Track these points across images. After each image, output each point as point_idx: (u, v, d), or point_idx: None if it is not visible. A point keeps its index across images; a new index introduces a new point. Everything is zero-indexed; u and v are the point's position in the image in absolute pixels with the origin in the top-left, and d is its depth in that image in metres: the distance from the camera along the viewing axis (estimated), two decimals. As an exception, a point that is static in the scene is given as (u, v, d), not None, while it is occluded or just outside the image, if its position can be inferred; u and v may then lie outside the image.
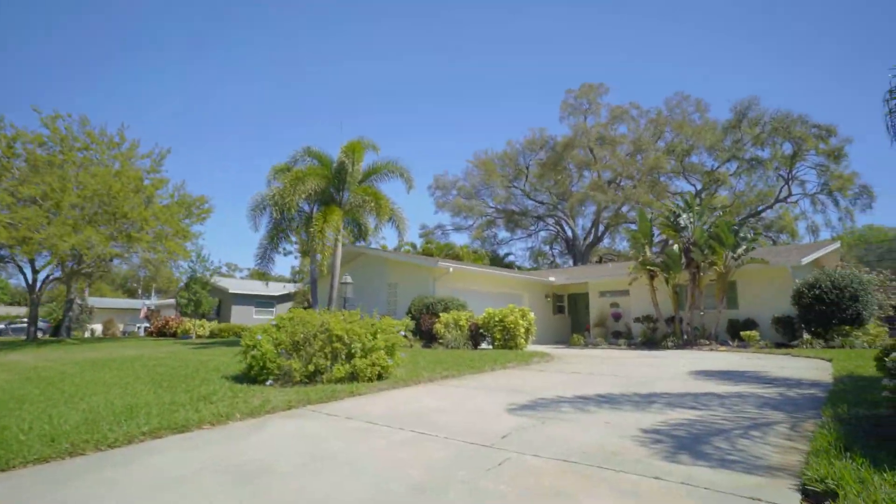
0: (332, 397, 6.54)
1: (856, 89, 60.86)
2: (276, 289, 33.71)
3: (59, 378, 8.92)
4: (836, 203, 33.20)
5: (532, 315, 14.41)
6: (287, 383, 7.31)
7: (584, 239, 43.29)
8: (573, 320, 24.40)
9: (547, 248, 50.04)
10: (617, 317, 20.89)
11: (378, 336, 7.97)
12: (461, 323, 14.59)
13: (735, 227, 16.92)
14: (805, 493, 2.89)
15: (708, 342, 16.56)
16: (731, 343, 16.29)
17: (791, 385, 7.12)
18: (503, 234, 46.84)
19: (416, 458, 3.89)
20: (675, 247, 18.16)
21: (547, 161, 39.68)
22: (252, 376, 7.59)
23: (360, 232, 19.65)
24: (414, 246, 35.77)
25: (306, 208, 19.18)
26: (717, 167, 35.66)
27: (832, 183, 32.44)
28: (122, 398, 6.39)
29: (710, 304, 17.76)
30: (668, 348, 16.64)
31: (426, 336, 15.34)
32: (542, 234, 48.61)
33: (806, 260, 16.55)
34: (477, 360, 10.80)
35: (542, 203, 42.42)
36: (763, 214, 36.29)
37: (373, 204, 16.59)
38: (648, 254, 17.86)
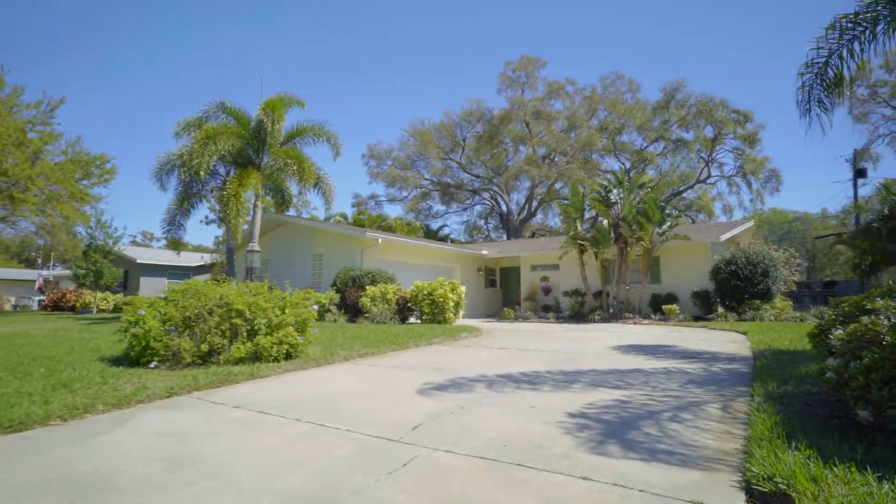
0: (227, 381, 5.68)
1: (770, 79, 65.04)
2: (192, 259, 31.25)
3: None
4: (750, 185, 35.44)
5: (462, 289, 13.97)
6: (176, 365, 6.33)
7: (518, 214, 43.63)
8: (505, 294, 24.43)
9: (482, 222, 50.11)
10: (547, 290, 21.04)
11: (287, 311, 7.11)
12: (388, 296, 13.90)
13: (661, 204, 17.27)
14: (750, 492, 2.49)
15: (632, 315, 16.97)
16: (653, 316, 16.78)
17: (714, 360, 7.07)
18: (438, 206, 46.27)
19: (305, 460, 3.20)
20: (605, 222, 18.36)
21: (484, 134, 39.23)
22: (134, 358, 6.51)
23: (282, 199, 18.29)
24: (345, 216, 34.31)
25: (221, 170, 17.54)
26: (646, 147, 36.86)
27: (746, 166, 34.48)
28: (-49, 388, 5.17)
29: (636, 279, 18.18)
30: (594, 321, 16.89)
31: (352, 310, 14.52)
32: (478, 208, 48.51)
33: (724, 237, 17.25)
34: (402, 335, 10.19)
35: (477, 177, 42.11)
36: (684, 194, 38.10)
37: (295, 167, 15.30)
38: (579, 228, 17.91)
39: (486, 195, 45.74)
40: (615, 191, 17.81)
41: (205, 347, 6.36)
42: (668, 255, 18.26)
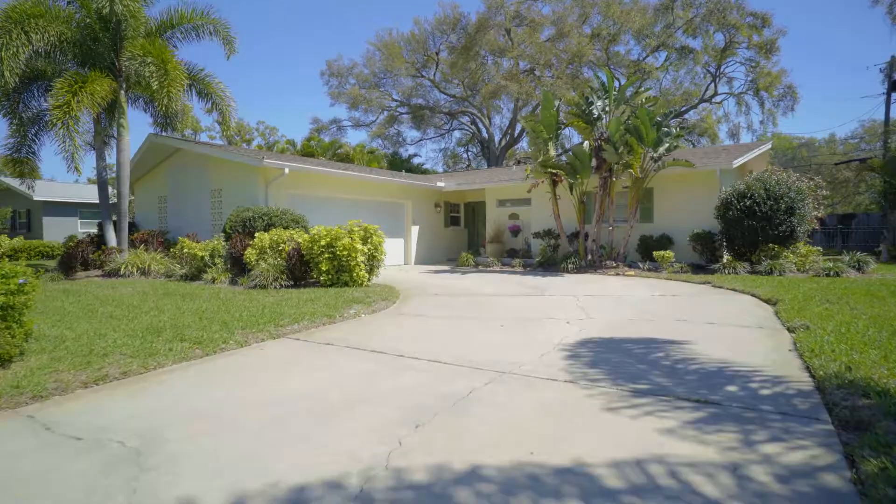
0: None
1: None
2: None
3: None
4: (762, 104, 30.84)
5: (380, 237, 10.23)
6: None
7: (501, 140, 39.11)
8: (471, 233, 20.79)
9: (461, 150, 45.62)
10: (515, 231, 17.37)
11: None
12: (283, 247, 10.21)
13: (658, 119, 13.21)
14: None
15: (615, 264, 13.46)
16: (641, 265, 13.27)
17: (748, 406, 3.48)
18: (414, 133, 41.56)
19: None
20: (586, 144, 14.36)
21: (459, 46, 33.76)
22: None
23: (165, 118, 14.04)
24: (293, 143, 29.78)
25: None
26: (645, 58, 31.63)
27: (760, 81, 29.71)
28: None
29: (621, 217, 14.51)
30: (567, 272, 13.42)
31: (239, 265, 10.85)
32: (456, 134, 43.83)
33: (738, 162, 13.37)
34: (245, 316, 6.64)
35: (453, 97, 37.04)
36: (685, 115, 33.51)
37: (153, 68, 10.99)
38: (552, 152, 13.92)
39: (465, 119, 40.88)
40: (599, 103, 13.67)
41: None
42: (664, 186, 14.45)
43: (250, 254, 10.22)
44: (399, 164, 32.51)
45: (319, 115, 62.11)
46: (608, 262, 13.61)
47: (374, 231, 10.18)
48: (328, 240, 9.46)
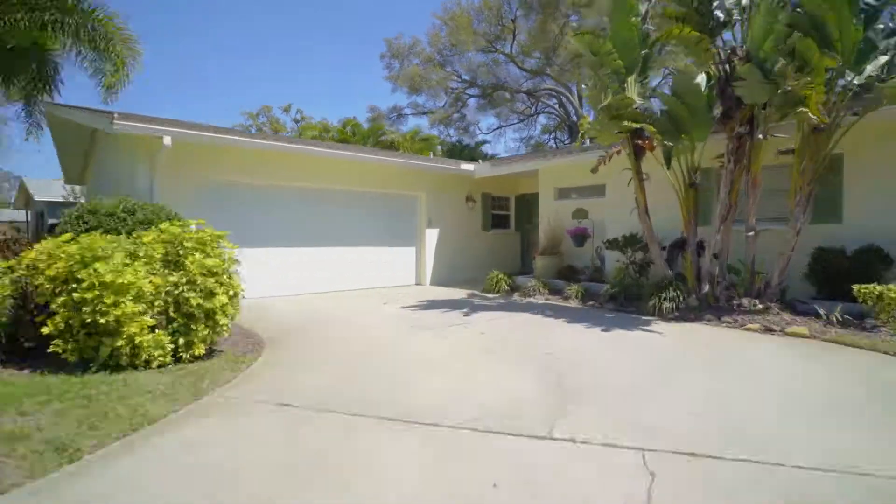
0: None
1: None
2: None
3: None
4: None
5: (221, 256, 4.80)
6: None
7: (594, 123, 31.86)
8: (524, 240, 14.61)
9: (548, 137, 38.87)
10: (579, 236, 10.92)
11: None
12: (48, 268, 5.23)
13: (866, 5, 6.28)
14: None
15: (760, 305, 6.76)
16: (819, 310, 6.40)
17: None
18: (490, 120, 35.80)
19: None
20: (700, 78, 7.71)
21: (537, 5, 27.31)
22: None
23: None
24: (326, 129, 25.55)
25: None
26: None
27: None
28: None
29: (774, 212, 7.65)
30: (661, 317, 7.03)
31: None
32: (543, 119, 37.26)
33: None
34: None
35: (530, 71, 30.54)
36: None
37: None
38: (632, 94, 7.47)
39: (552, 102, 34.26)
40: (730, -8, 7.02)
41: None
42: (870, 152, 7.32)
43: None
44: (460, 152, 27.05)
45: (381, 105, 57.47)
46: (745, 303, 6.92)
47: (209, 241, 4.79)
48: (65, 265, 4.24)
